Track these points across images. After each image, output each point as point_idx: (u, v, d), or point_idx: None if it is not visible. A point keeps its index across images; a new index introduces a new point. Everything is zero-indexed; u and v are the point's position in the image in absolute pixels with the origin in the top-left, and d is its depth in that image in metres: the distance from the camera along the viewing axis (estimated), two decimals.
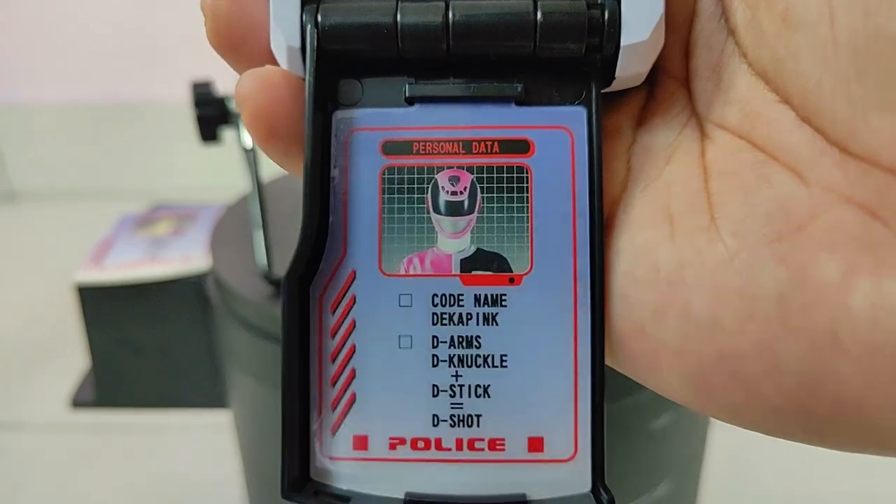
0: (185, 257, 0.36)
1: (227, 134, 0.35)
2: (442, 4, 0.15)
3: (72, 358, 0.64)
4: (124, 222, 0.40)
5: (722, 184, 0.13)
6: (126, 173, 1.02)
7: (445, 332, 0.15)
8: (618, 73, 0.15)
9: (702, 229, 0.13)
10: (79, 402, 0.38)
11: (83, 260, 0.36)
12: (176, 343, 0.36)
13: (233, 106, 0.32)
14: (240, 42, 0.15)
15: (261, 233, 0.31)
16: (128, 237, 0.38)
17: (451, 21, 0.14)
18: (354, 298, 0.15)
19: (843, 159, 0.12)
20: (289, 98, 0.14)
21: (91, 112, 0.99)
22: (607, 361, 0.15)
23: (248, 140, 0.32)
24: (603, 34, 0.14)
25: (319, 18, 0.15)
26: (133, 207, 0.87)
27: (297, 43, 0.15)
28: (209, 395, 0.37)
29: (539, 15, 0.14)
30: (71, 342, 0.66)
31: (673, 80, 0.15)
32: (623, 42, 0.14)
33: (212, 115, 0.32)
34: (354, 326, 0.15)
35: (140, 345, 0.36)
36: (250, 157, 0.32)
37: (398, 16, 0.14)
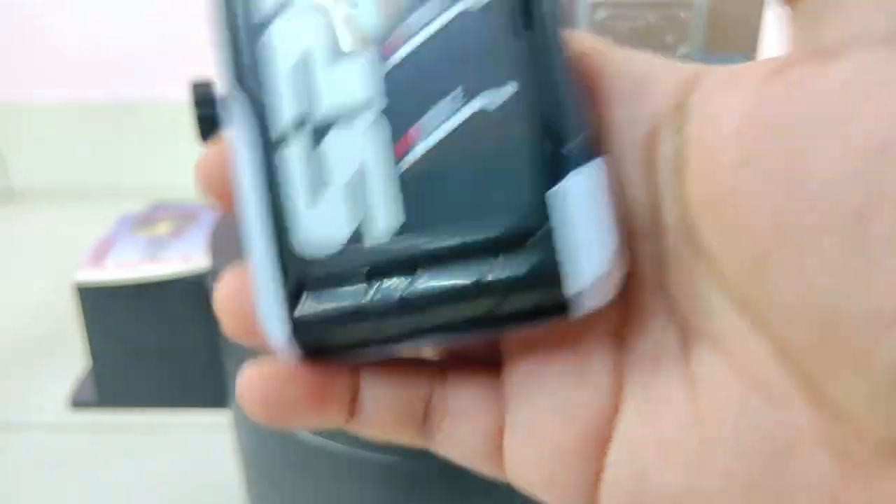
0: (185, 257, 0.36)
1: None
2: (405, 282, 0.16)
3: (72, 358, 0.64)
4: (124, 222, 0.40)
5: (708, 408, 0.14)
6: (126, 172, 1.02)
7: None
8: (575, 313, 0.15)
9: (695, 460, 0.14)
10: (79, 402, 0.38)
11: (83, 260, 0.36)
12: (176, 342, 0.36)
13: None
14: (250, 334, 0.16)
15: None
16: (127, 237, 0.38)
17: (410, 299, 0.16)
18: None
19: (816, 400, 0.12)
20: (287, 391, 0.16)
21: (91, 111, 0.99)
22: None
23: None
24: (551, 293, 0.15)
25: (297, 314, 0.16)
26: (133, 207, 0.87)
27: (282, 340, 0.16)
28: (209, 394, 0.37)
29: (489, 295, 0.15)
30: (71, 342, 0.66)
31: (646, 286, 0.15)
32: (571, 292, 0.15)
33: (211, 116, 0.32)
34: None
35: (140, 344, 0.36)
36: None
37: (365, 300, 0.16)
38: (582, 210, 0.15)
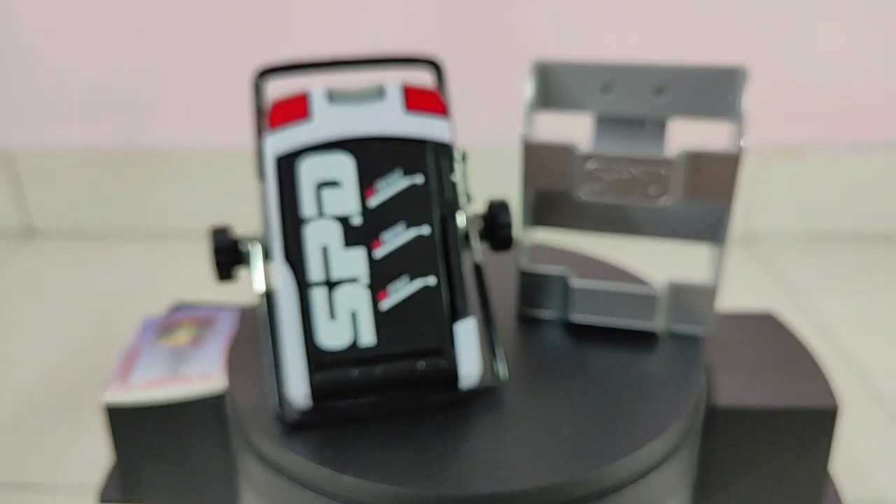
0: (204, 374, 0.39)
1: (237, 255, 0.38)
2: (373, 369, 0.33)
3: (93, 404, 0.67)
4: (147, 328, 0.43)
5: None
6: (140, 213, 1.05)
7: None
8: (461, 387, 0.34)
9: None
10: (106, 499, 0.41)
11: (111, 376, 0.39)
12: (194, 453, 0.39)
13: (245, 248, 0.35)
14: None
15: (271, 358, 0.33)
16: (151, 348, 0.41)
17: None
18: None
19: None
20: None
21: (108, 156, 1.03)
22: None
23: (260, 282, 0.35)
24: (451, 376, 0.34)
25: (314, 380, 0.32)
26: (148, 247, 0.89)
27: (304, 395, 0.33)
28: (223, 495, 0.40)
29: (419, 376, 0.33)
30: (92, 387, 0.68)
31: None
32: (460, 375, 0.34)
33: (229, 260, 0.35)
34: None
35: (162, 454, 0.39)
36: (263, 300, 0.35)
37: (352, 376, 0.33)
38: (465, 341, 0.33)
